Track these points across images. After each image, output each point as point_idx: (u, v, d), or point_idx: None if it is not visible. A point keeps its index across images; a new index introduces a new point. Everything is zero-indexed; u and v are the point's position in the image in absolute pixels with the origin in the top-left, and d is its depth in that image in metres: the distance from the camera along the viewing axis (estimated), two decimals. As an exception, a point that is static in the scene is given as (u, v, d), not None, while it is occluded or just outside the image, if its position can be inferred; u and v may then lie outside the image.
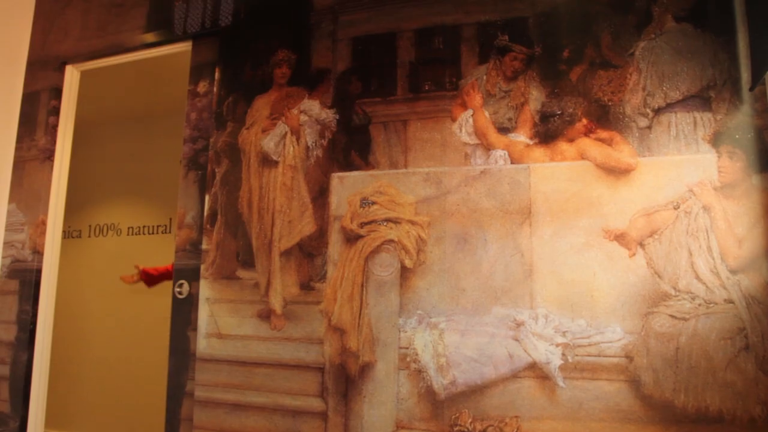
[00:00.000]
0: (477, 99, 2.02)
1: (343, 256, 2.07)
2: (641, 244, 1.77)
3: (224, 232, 2.29)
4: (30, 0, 2.97)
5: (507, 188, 1.93)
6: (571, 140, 1.90)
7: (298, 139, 2.24)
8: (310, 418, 2.02)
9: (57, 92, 2.78)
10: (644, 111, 1.85)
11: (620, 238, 1.79)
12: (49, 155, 2.72)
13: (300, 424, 2.03)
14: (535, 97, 1.96)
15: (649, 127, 1.83)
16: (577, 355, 1.77)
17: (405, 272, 1.99)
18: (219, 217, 2.31)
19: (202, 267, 2.29)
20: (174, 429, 2.22)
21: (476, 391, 1.84)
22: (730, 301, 1.67)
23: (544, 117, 1.94)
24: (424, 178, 2.03)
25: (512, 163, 1.94)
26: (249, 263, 2.23)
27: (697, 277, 1.71)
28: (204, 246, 2.31)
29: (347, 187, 2.12)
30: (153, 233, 4.49)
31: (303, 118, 2.24)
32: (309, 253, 2.14)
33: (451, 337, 1.89)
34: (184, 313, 2.29)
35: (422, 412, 1.89)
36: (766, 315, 1.64)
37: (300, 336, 2.09)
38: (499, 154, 1.96)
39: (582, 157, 1.87)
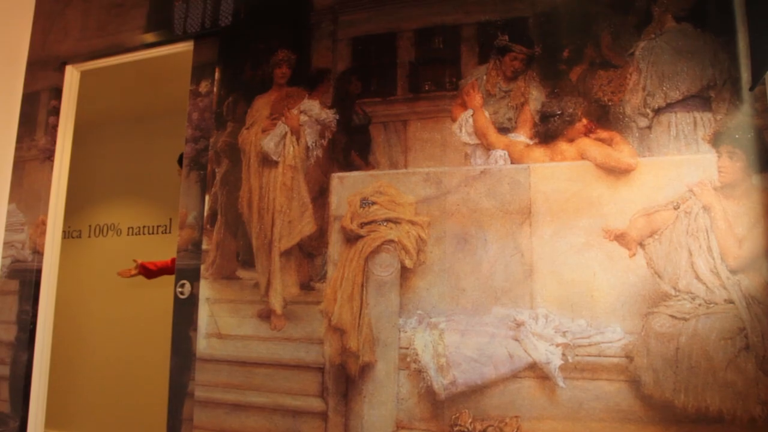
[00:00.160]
0: (477, 99, 2.02)
1: (343, 256, 2.07)
2: (641, 244, 1.77)
3: (224, 232, 2.29)
4: (30, 0, 2.97)
5: (507, 188, 1.93)
6: (571, 140, 1.90)
7: (298, 139, 2.24)
8: (310, 418, 2.02)
9: (57, 92, 2.78)
10: (644, 111, 1.85)
11: (620, 238, 1.79)
12: (49, 155, 2.72)
13: (300, 425, 2.03)
14: (535, 97, 1.96)
15: (649, 127, 1.83)
16: (577, 355, 1.77)
17: (405, 272, 1.99)
18: (219, 217, 2.31)
19: (202, 267, 2.29)
20: (175, 429, 2.22)
21: (476, 391, 1.84)
22: (731, 301, 1.67)
23: (544, 117, 1.94)
24: (424, 178, 2.03)
25: (512, 163, 1.94)
26: (249, 263, 2.23)
27: (697, 277, 1.71)
28: (204, 246, 2.31)
29: (347, 187, 2.12)
30: (153, 233, 4.50)
31: (303, 118, 2.24)
32: (309, 253, 2.14)
33: (452, 337, 1.89)
34: (185, 313, 2.29)
35: (422, 412, 1.89)
36: (766, 315, 1.64)
37: (300, 336, 2.09)
38: (499, 154, 1.96)
39: (582, 157, 1.87)
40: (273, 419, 2.07)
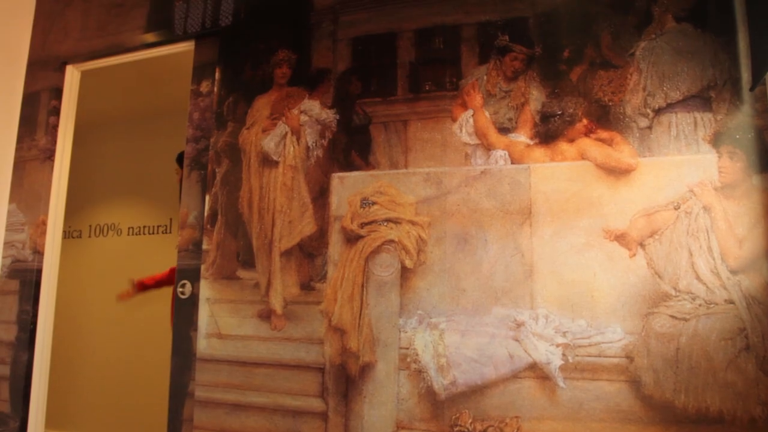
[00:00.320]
0: (477, 99, 2.02)
1: (343, 256, 2.07)
2: (642, 245, 1.77)
3: (224, 232, 2.29)
4: (30, 0, 2.97)
5: (507, 188, 1.93)
6: (572, 140, 1.90)
7: (298, 139, 2.24)
8: (310, 418, 2.02)
9: (57, 92, 2.78)
10: (644, 111, 1.84)
11: (621, 238, 1.79)
12: (50, 155, 2.72)
13: (300, 425, 2.03)
14: (536, 97, 1.96)
15: (650, 128, 1.83)
16: (577, 356, 1.76)
17: (405, 272, 1.99)
18: (219, 217, 2.31)
19: (203, 267, 2.29)
20: (176, 429, 2.22)
21: (476, 391, 1.84)
22: (731, 302, 1.67)
23: (545, 117, 1.94)
24: (425, 179, 2.03)
25: (512, 163, 1.94)
26: (249, 263, 2.23)
27: (698, 278, 1.71)
28: (204, 246, 2.31)
29: (347, 188, 2.12)
30: (153, 233, 4.50)
31: (303, 118, 2.24)
32: (309, 253, 2.14)
33: (452, 338, 1.89)
34: (186, 313, 2.29)
35: (422, 413, 1.89)
36: (767, 315, 1.64)
37: (300, 336, 2.09)
38: (500, 154, 1.96)
39: (582, 157, 1.87)
40: (273, 419, 2.07)
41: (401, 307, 1.97)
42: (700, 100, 1.80)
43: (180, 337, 2.29)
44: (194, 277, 2.30)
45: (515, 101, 1.98)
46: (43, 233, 2.65)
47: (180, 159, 2.63)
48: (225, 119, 2.38)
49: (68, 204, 2.79)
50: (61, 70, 2.81)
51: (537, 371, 1.79)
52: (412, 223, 2.01)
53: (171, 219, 4.38)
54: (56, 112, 2.76)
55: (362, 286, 2.03)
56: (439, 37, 2.12)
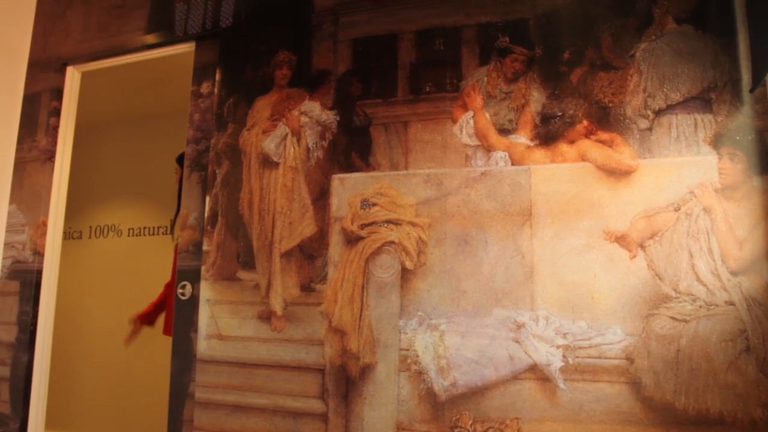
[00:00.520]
0: (478, 100, 2.02)
1: (343, 257, 2.07)
2: (642, 246, 1.77)
3: (225, 234, 2.29)
4: (31, 1, 2.97)
5: (508, 190, 1.93)
6: (572, 142, 1.90)
7: (298, 141, 2.24)
8: (310, 419, 2.02)
9: (58, 93, 2.79)
10: (645, 113, 1.84)
11: (621, 239, 1.79)
12: (50, 156, 2.72)
13: (300, 426, 2.03)
14: (536, 98, 1.96)
15: (650, 129, 1.83)
16: (577, 357, 1.76)
17: (405, 274, 1.99)
18: (220, 218, 2.31)
19: (203, 268, 2.29)
20: (176, 431, 2.22)
21: (477, 392, 1.84)
22: (731, 303, 1.67)
23: (545, 118, 1.94)
24: (425, 180, 2.03)
25: (513, 164, 1.94)
26: (250, 264, 2.23)
27: (698, 279, 1.71)
28: (205, 247, 2.31)
29: (348, 189, 2.12)
30: (154, 234, 4.50)
31: (304, 119, 2.24)
32: (310, 254, 2.14)
33: (452, 339, 1.89)
34: (187, 314, 2.29)
35: (423, 414, 1.89)
36: (767, 317, 1.64)
37: (300, 337, 2.09)
38: (500, 155, 1.96)
39: (582, 158, 1.87)
40: (273, 420, 2.07)
41: (401, 308, 1.97)
42: (701, 101, 1.80)
43: (180, 338, 2.29)
44: (194, 278, 2.30)
45: (515, 103, 1.99)
46: (44, 234, 2.65)
47: (180, 159, 2.63)
48: (225, 120, 2.38)
49: (69, 205, 2.79)
50: (62, 71, 2.81)
51: (537, 373, 1.79)
52: (413, 224, 2.01)
53: (171, 220, 4.38)
54: (57, 113, 2.76)
55: (362, 287, 2.03)
56: (439, 39, 2.12)
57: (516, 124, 1.97)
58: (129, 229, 4.58)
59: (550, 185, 1.89)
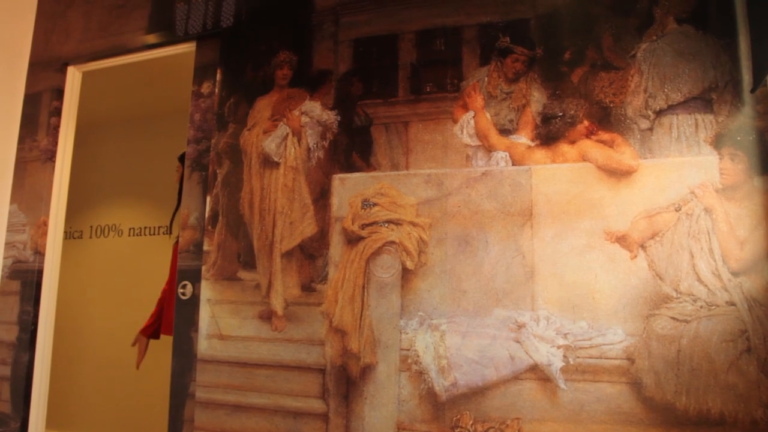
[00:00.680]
0: (478, 101, 2.02)
1: (344, 257, 2.07)
2: (643, 246, 1.77)
3: (225, 233, 2.29)
4: (32, 1, 2.97)
5: (508, 190, 1.93)
6: (573, 142, 1.90)
7: (299, 141, 2.24)
8: (311, 419, 2.02)
9: (59, 93, 2.79)
10: (645, 113, 1.84)
11: (622, 240, 1.79)
12: (51, 156, 2.72)
13: (301, 426, 2.03)
14: (537, 98, 1.96)
15: (651, 129, 1.83)
16: (578, 357, 1.76)
17: (406, 274, 1.99)
18: (220, 218, 2.31)
19: (203, 268, 2.29)
20: (176, 430, 2.22)
21: (477, 392, 1.84)
22: (732, 304, 1.67)
23: (546, 119, 1.94)
24: (426, 180, 2.03)
25: (513, 164, 1.94)
26: (250, 264, 2.23)
27: (699, 279, 1.71)
28: (205, 247, 2.31)
29: (348, 189, 2.12)
30: (154, 234, 4.50)
31: (304, 119, 2.25)
32: (310, 254, 2.14)
33: (453, 339, 1.89)
34: (187, 314, 2.29)
35: (423, 414, 1.89)
36: (768, 317, 1.64)
37: (301, 337, 2.09)
38: (501, 155, 1.96)
39: (583, 158, 1.87)
40: (274, 420, 2.07)
41: (402, 308, 1.97)
42: (702, 101, 1.80)
43: (181, 338, 2.29)
44: (195, 278, 2.30)
45: (516, 103, 1.99)
46: (44, 234, 2.65)
47: (182, 157, 2.63)
48: (226, 120, 2.38)
49: (69, 205, 2.79)
50: (63, 71, 2.81)
51: (538, 373, 1.79)
52: (413, 224, 2.01)
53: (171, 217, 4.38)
54: (57, 112, 2.76)
55: (363, 287, 2.03)
56: (440, 39, 2.12)
57: (517, 124, 1.97)
58: (130, 229, 4.58)
59: (551, 185, 1.89)
